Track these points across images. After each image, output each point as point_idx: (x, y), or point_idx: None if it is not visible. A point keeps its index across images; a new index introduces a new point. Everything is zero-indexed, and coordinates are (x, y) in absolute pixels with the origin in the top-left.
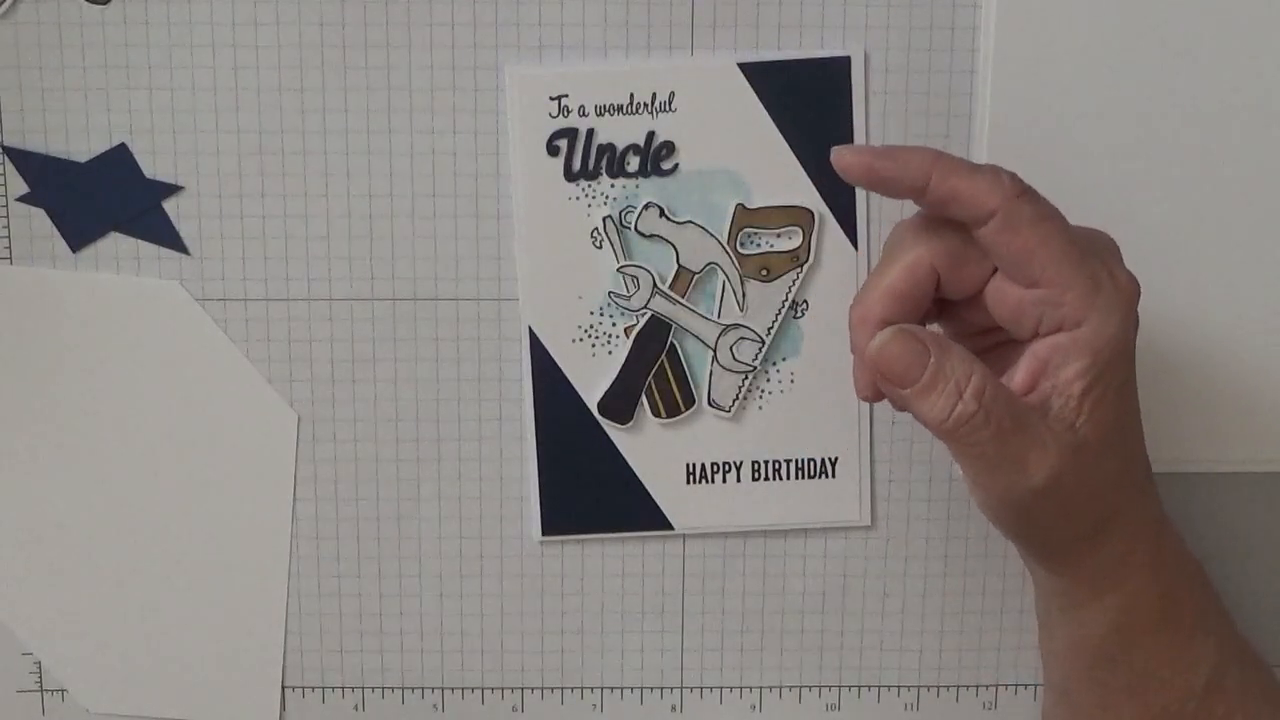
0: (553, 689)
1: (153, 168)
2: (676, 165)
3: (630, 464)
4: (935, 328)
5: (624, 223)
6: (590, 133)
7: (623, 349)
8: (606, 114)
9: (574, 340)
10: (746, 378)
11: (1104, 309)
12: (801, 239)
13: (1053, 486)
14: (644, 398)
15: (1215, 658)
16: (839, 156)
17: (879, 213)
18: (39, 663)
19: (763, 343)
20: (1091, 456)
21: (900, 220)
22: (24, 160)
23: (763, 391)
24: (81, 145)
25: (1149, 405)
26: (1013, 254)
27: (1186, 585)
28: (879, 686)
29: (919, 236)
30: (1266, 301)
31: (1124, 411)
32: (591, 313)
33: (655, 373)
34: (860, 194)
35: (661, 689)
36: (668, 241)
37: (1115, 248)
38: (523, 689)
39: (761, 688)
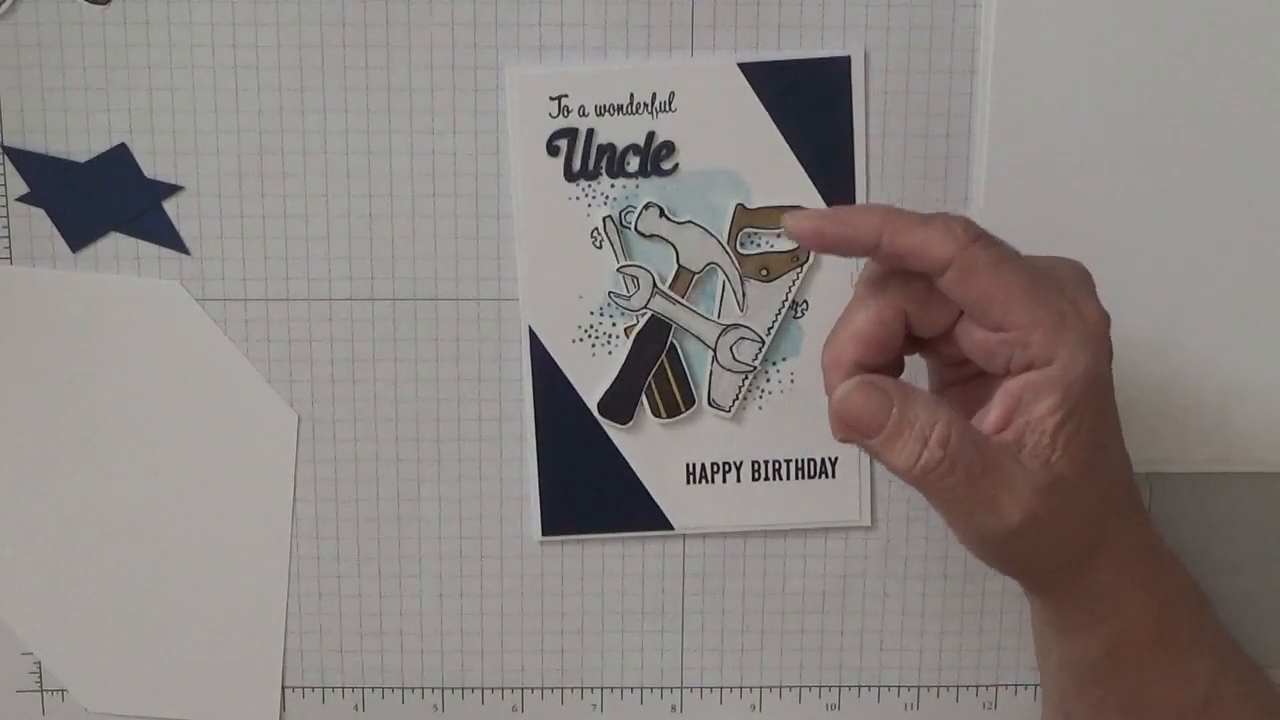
0: (553, 689)
1: (153, 168)
2: (676, 165)
3: (630, 464)
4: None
5: (624, 223)
6: (590, 133)
7: (623, 349)
8: (606, 114)
9: (574, 340)
10: (746, 378)
11: (1073, 344)
12: None
13: (1028, 525)
14: (644, 398)
15: (1213, 673)
16: (789, 223)
17: None
18: (39, 662)
19: (763, 343)
20: (1068, 491)
21: (868, 263)
22: (24, 160)
23: (763, 391)
24: (81, 145)
25: (1146, 405)
26: (973, 300)
27: (1182, 604)
28: (879, 686)
29: (886, 281)
30: (1266, 301)
31: (1101, 443)
32: (591, 313)
33: (655, 373)
34: (860, 194)
35: (661, 689)
36: (668, 241)
37: (1086, 277)
38: (523, 689)
39: (761, 688)
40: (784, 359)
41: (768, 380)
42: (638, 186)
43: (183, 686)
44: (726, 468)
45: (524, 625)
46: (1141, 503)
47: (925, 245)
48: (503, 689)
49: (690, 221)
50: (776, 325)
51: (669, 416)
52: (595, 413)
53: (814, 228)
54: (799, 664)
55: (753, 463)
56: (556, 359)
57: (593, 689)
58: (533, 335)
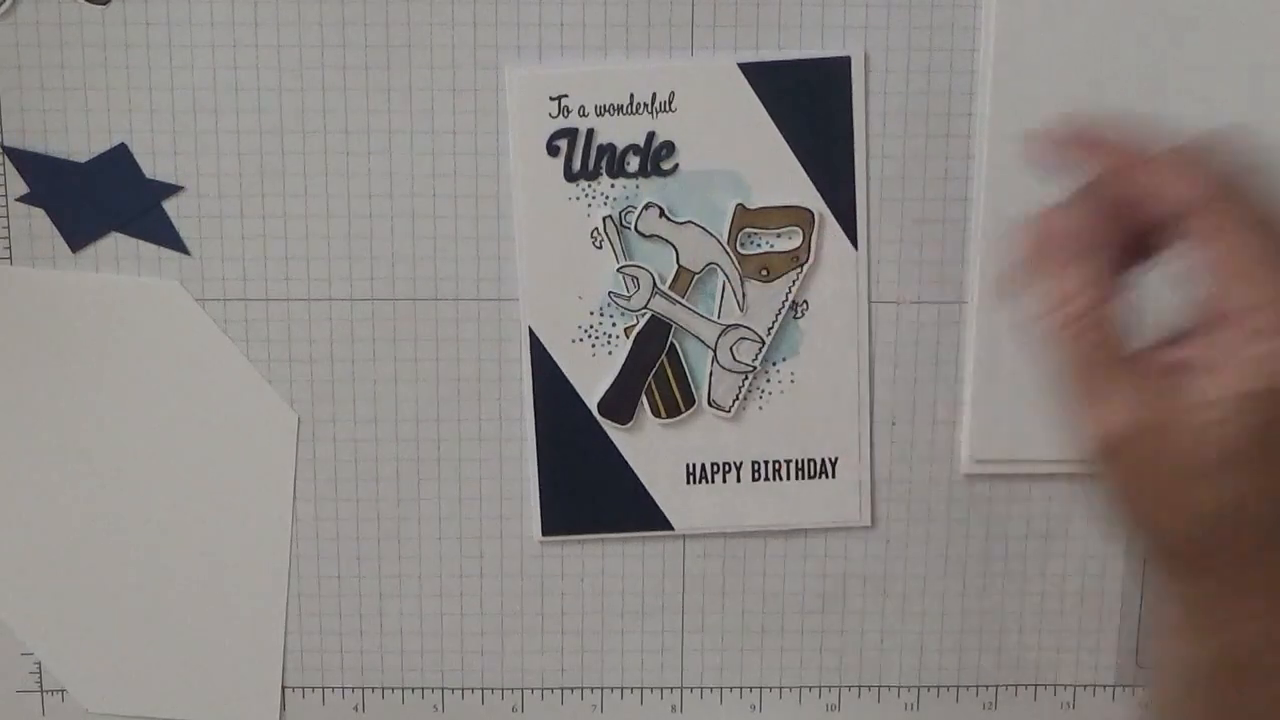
0: (553, 689)
1: (153, 168)
2: (676, 165)
3: (630, 464)
4: None
5: (624, 223)
6: (590, 133)
7: (623, 349)
8: (606, 114)
9: (574, 340)
10: (746, 378)
11: None
12: (801, 239)
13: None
14: (644, 398)
15: None
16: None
17: (879, 212)
18: (39, 663)
19: (763, 343)
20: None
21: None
22: (24, 160)
23: (763, 391)
24: (81, 145)
25: None
26: (1201, 265)
27: None
28: (879, 686)
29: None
30: None
31: None
32: (591, 313)
33: (655, 373)
34: (860, 194)
35: (661, 689)
36: (668, 242)
37: None
38: (523, 689)
39: (761, 688)
40: (784, 359)
41: (768, 380)
42: (638, 186)
43: (183, 686)
44: (726, 468)
45: (524, 625)
46: None
47: (1160, 189)
48: (503, 689)
49: (690, 221)
50: (776, 325)
51: (669, 416)
52: (595, 413)
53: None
54: (799, 664)
55: (753, 463)
56: (556, 359)
57: (593, 689)
58: (533, 335)
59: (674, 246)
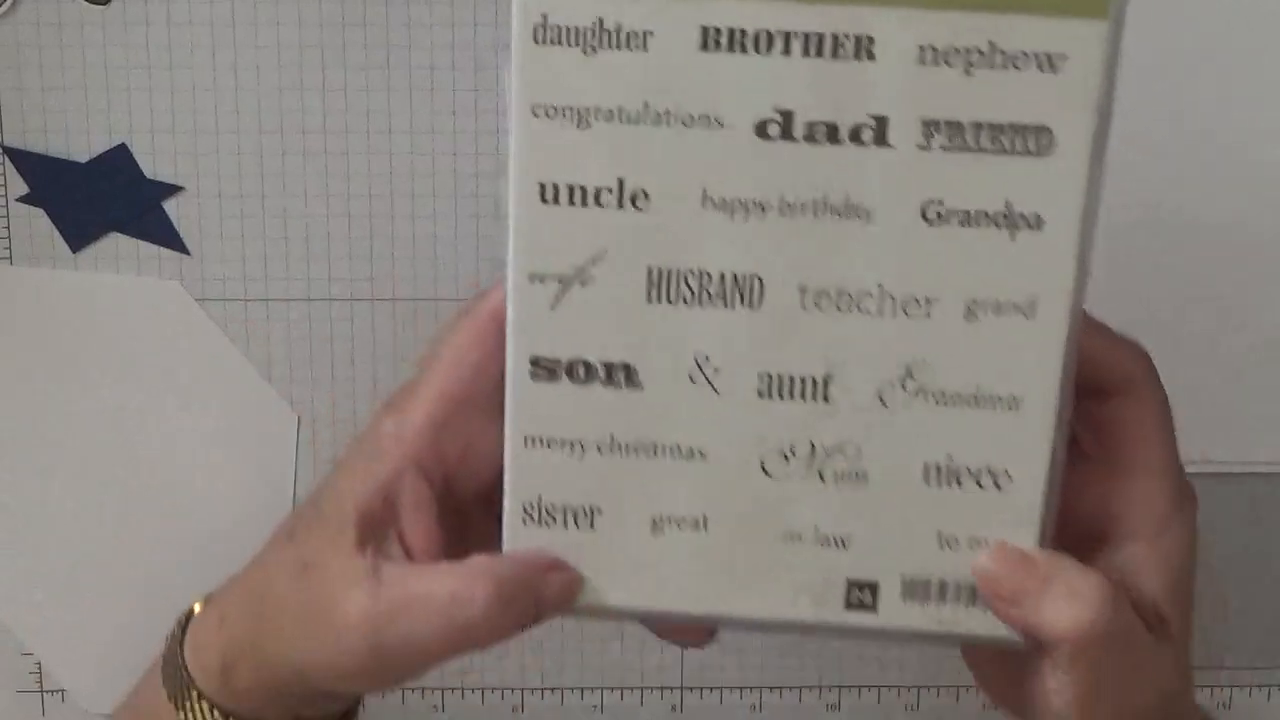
0: (553, 689)
1: (153, 168)
2: None
3: None
4: None
5: None
6: None
7: None
8: None
9: None
10: None
11: (1187, 516)
12: None
13: (1162, 702)
14: None
15: None
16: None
17: None
18: (39, 663)
19: None
20: (1185, 672)
21: None
22: (24, 160)
23: None
24: (81, 145)
25: None
26: (1132, 429)
27: None
28: (879, 686)
29: None
30: (1266, 300)
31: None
32: None
33: None
34: None
35: (661, 689)
36: None
37: None
38: (523, 689)
39: (761, 688)
40: None
41: None
42: None
43: None
44: None
45: None
46: None
47: (1116, 358)
48: (503, 689)
49: None
50: None
51: None
52: None
53: None
54: (799, 664)
55: None
56: None
57: (593, 689)
58: None
59: None
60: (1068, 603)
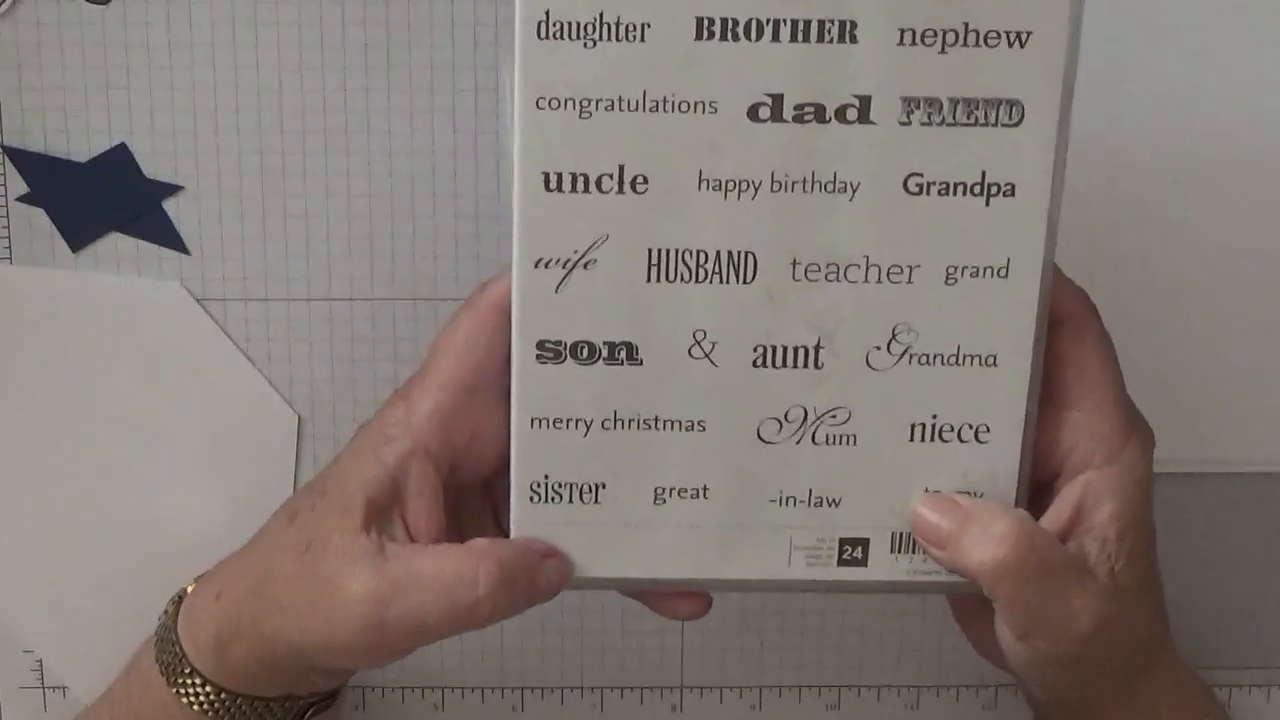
0: (553, 689)
1: (153, 168)
2: None
3: None
4: None
5: None
6: None
7: None
8: None
9: None
10: None
11: (1137, 447)
12: None
13: (1099, 634)
14: None
15: None
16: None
17: None
18: (40, 660)
19: None
20: (1129, 604)
21: None
22: (24, 160)
23: None
24: (81, 145)
25: (1143, 405)
26: (1074, 365)
27: None
28: (879, 686)
29: None
30: (1266, 299)
31: (1154, 559)
32: None
33: None
34: None
35: (661, 689)
36: None
37: None
38: (523, 689)
39: (761, 688)
40: None
41: None
42: None
43: None
44: None
45: (524, 625)
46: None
47: (1059, 294)
48: (503, 689)
49: None
50: None
51: None
52: None
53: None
54: (799, 664)
55: None
56: None
57: (593, 689)
58: None
59: None
60: (982, 541)
